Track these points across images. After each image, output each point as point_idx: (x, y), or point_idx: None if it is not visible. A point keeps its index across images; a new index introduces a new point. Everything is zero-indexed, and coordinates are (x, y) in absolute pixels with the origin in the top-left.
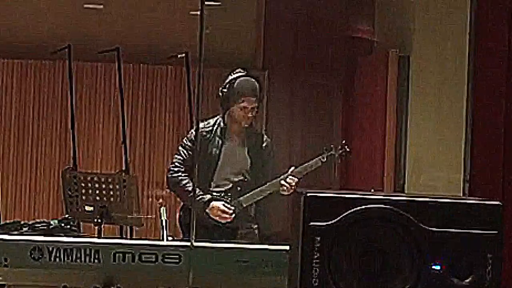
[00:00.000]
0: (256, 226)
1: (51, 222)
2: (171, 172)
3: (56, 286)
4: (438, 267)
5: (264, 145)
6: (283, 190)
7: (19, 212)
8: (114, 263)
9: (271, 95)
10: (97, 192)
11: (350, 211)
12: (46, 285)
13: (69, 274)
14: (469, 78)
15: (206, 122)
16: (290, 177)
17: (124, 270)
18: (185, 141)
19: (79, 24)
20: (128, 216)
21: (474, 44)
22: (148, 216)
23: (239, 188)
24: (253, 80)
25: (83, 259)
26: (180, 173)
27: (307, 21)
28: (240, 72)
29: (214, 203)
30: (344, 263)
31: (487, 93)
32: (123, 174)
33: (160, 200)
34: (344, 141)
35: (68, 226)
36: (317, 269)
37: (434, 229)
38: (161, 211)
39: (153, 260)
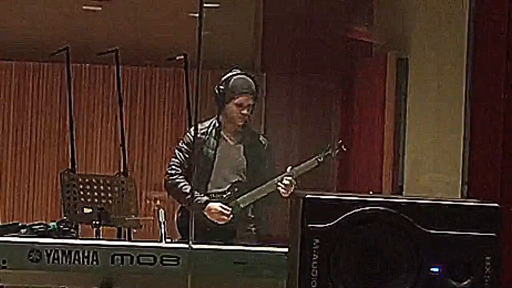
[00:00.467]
0: (254, 227)
1: (50, 224)
2: (168, 174)
3: None
4: (436, 270)
5: (260, 144)
6: (283, 193)
7: (17, 214)
8: (112, 265)
9: (270, 97)
10: (96, 194)
11: (349, 213)
12: (44, 287)
13: (67, 276)
14: (467, 80)
15: (201, 125)
16: (286, 177)
17: (122, 272)
18: (181, 144)
19: (78, 25)
20: (127, 218)
21: (472, 46)
22: (147, 218)
23: (236, 189)
24: (249, 77)
25: (81, 261)
26: (177, 176)
27: (306, 23)
28: (236, 70)
29: (211, 204)
30: (343, 265)
31: (485, 95)
32: (122, 176)
33: (158, 202)
34: (340, 141)
35: (67, 228)
36: (316, 271)
37: (432, 231)
38: (160, 213)
39: (152, 262)
